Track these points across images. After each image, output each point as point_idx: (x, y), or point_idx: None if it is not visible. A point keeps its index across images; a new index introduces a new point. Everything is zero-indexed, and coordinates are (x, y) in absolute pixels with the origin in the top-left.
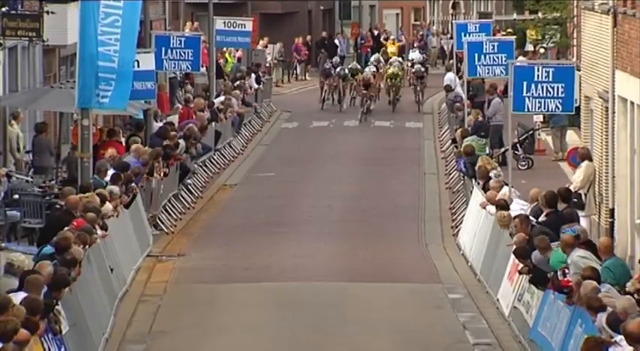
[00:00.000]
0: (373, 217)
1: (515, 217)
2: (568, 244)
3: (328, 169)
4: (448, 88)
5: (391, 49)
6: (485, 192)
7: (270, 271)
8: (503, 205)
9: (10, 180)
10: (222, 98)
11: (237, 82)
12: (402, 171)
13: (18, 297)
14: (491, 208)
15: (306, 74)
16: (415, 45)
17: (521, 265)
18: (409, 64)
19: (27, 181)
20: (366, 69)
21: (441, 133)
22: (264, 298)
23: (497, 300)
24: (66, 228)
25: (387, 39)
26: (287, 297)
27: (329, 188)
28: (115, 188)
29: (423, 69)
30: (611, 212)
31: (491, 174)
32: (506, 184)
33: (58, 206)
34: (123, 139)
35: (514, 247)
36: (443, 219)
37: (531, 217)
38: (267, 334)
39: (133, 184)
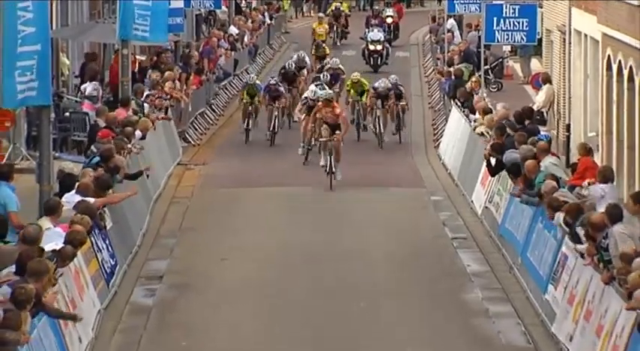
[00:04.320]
0: (369, 132)
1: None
2: (543, 150)
3: None
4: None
5: (319, 30)
6: (465, 109)
7: (283, 178)
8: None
9: (62, 100)
10: (237, 30)
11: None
12: None
13: (74, 199)
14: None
15: (312, 11)
16: (372, 22)
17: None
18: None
19: (76, 101)
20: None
21: (425, 61)
22: (279, 201)
23: (472, 201)
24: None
25: None
26: (298, 200)
27: None
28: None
29: (399, 84)
30: (567, 127)
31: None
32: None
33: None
34: None
35: (490, 143)
36: (426, 133)
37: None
38: (281, 231)
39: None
